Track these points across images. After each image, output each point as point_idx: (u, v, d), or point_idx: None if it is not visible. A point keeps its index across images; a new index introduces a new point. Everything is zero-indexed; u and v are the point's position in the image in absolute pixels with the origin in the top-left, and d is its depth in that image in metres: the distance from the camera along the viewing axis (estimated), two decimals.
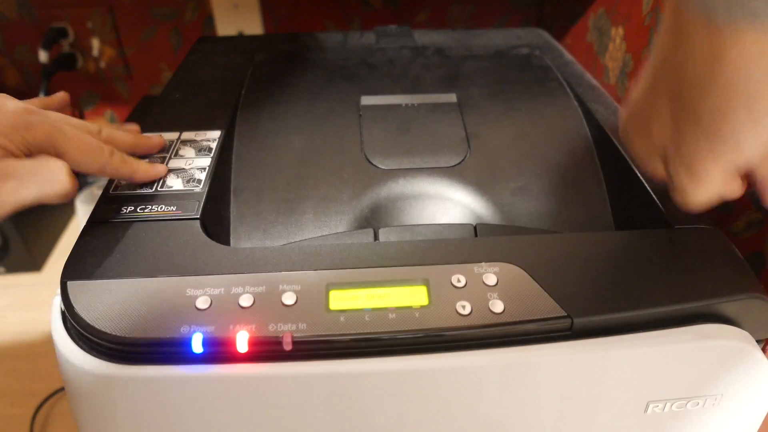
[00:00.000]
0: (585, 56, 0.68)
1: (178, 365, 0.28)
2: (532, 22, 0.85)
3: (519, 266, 0.31)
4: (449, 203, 0.41)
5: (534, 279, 0.30)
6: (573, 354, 0.28)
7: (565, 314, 0.29)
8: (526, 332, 0.29)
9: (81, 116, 0.88)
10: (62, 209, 0.83)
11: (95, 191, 0.76)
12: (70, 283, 0.30)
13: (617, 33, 0.59)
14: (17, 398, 0.59)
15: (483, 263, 0.31)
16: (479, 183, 0.41)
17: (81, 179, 0.92)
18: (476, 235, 0.37)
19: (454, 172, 0.41)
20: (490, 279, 0.30)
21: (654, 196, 0.36)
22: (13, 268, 0.75)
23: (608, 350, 0.29)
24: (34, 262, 0.76)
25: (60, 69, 0.81)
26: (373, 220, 0.40)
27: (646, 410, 0.31)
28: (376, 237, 0.37)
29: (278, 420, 0.29)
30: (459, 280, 0.30)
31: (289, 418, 0.29)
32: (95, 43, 0.82)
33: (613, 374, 0.29)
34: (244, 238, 0.38)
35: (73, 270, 0.30)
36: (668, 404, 0.31)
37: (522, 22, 0.84)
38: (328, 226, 0.39)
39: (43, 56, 0.77)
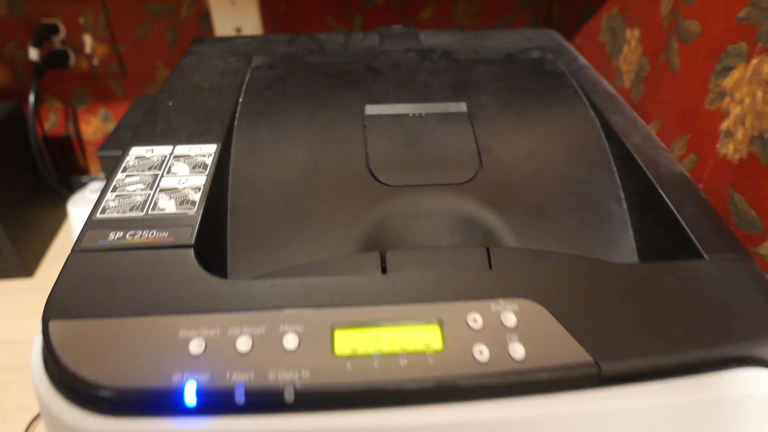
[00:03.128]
0: (597, 57, 0.65)
1: (169, 418, 0.25)
2: (540, 19, 0.81)
3: (539, 303, 0.29)
4: (460, 223, 0.38)
5: (556, 318, 0.28)
6: (600, 404, 0.26)
7: (592, 360, 0.26)
8: (550, 380, 0.26)
9: (74, 115, 0.85)
10: (53, 212, 0.80)
11: (88, 195, 0.73)
12: (52, 323, 0.27)
13: (632, 35, 0.57)
14: (8, 414, 0.57)
15: (500, 300, 0.29)
16: (491, 201, 0.38)
17: (74, 181, 0.90)
18: (489, 258, 0.35)
19: (465, 189, 0.39)
20: (509, 319, 0.28)
21: (682, 221, 0.33)
22: (4, 274, 0.73)
23: (638, 399, 0.26)
24: (25, 268, 0.73)
25: (51, 67, 0.78)
26: (379, 241, 0.37)
27: None
28: (383, 260, 0.35)
29: None
30: (475, 320, 0.28)
31: None
32: (88, 40, 0.79)
33: (642, 424, 0.27)
34: (242, 264, 0.35)
35: (56, 308, 0.28)
36: None
37: (530, 20, 0.81)
38: (332, 248, 0.36)
39: (33, 54, 0.74)
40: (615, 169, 0.39)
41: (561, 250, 0.37)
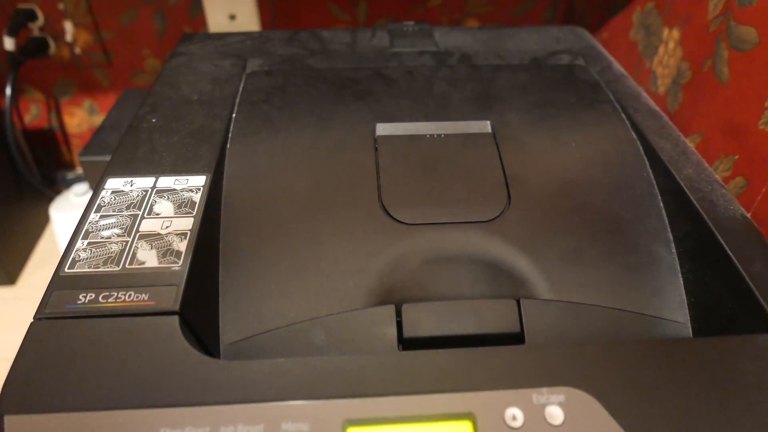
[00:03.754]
0: (626, 56, 0.59)
1: None
2: (560, 8, 0.75)
3: (589, 393, 0.24)
4: (486, 269, 0.33)
5: (609, 412, 0.23)
6: None
7: None
8: None
9: (57, 107, 0.79)
10: (35, 217, 0.75)
11: (72, 198, 0.68)
12: (8, 419, 0.23)
13: (671, 36, 0.51)
14: None
15: (544, 389, 0.24)
16: (521, 243, 0.33)
17: (58, 177, 0.84)
18: (520, 312, 0.31)
19: (492, 228, 0.34)
20: (555, 415, 0.23)
21: (749, 281, 0.29)
22: None
23: None
24: (6, 275, 0.69)
25: (30, 56, 0.72)
26: (394, 290, 0.33)
27: None
28: (398, 315, 0.30)
29: None
30: (514, 418, 0.23)
31: None
32: (68, 27, 0.72)
33: None
34: (236, 320, 0.30)
35: (15, 398, 0.23)
36: None
37: (549, 8, 0.75)
38: (339, 300, 0.32)
39: (8, 43, 0.68)
40: (662, 206, 0.35)
41: (601, 302, 0.32)
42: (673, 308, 0.32)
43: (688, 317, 0.32)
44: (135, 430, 0.22)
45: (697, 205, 0.32)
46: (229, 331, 0.30)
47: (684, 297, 0.32)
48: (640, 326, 0.31)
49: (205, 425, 0.23)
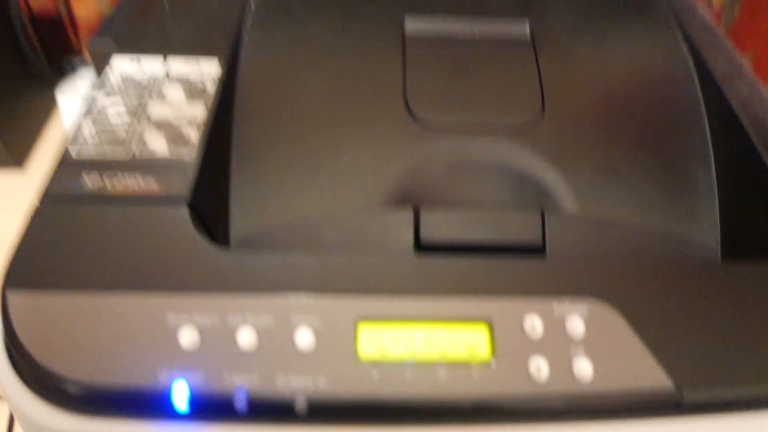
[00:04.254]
0: None
1: (152, 422, 0.21)
2: None
3: (612, 306, 0.23)
4: (511, 177, 0.32)
5: (632, 328, 0.23)
6: None
7: (673, 387, 0.21)
8: (619, 407, 0.22)
9: None
10: (42, 102, 0.73)
11: (79, 83, 0.66)
12: (12, 295, 0.22)
13: None
14: None
15: (565, 299, 0.23)
16: (552, 154, 0.31)
17: (65, 63, 0.81)
18: (543, 224, 0.29)
19: (522, 136, 0.32)
20: (576, 326, 0.22)
21: None
22: None
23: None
24: (13, 158, 0.68)
25: None
26: (413, 193, 0.31)
27: None
28: (417, 216, 0.29)
29: None
30: (534, 327, 0.22)
31: None
32: None
33: None
34: (247, 212, 0.29)
35: (18, 275, 0.23)
36: None
37: None
38: (356, 198, 0.30)
39: None
40: (707, 125, 0.32)
41: (629, 221, 0.31)
42: (705, 232, 0.30)
43: (719, 242, 0.30)
44: (140, 313, 0.22)
45: (746, 126, 0.30)
46: (240, 225, 0.29)
47: (717, 222, 0.30)
48: (668, 248, 0.30)
49: (212, 313, 0.22)
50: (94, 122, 0.28)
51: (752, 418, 0.22)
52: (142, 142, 0.27)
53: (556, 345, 0.22)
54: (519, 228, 0.29)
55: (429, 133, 0.32)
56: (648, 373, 0.22)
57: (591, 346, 0.22)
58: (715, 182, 0.31)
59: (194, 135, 0.27)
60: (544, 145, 0.31)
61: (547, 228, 0.29)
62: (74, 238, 0.24)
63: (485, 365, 0.22)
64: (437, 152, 0.32)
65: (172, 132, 0.27)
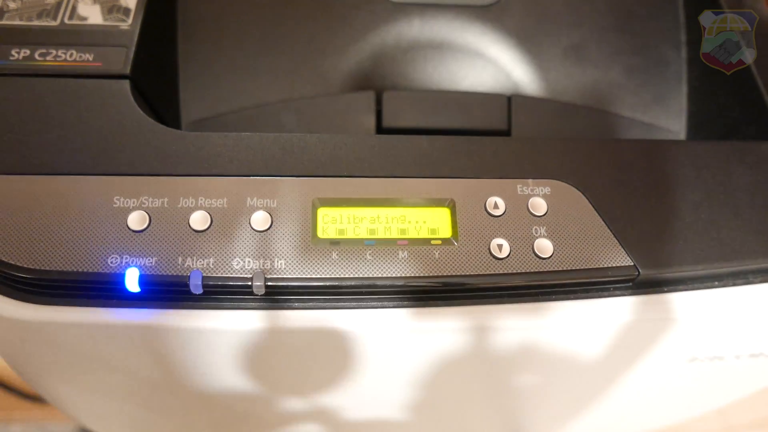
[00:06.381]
0: None
1: (107, 308, 0.20)
2: None
3: (575, 187, 0.23)
4: (478, 60, 0.30)
5: (594, 208, 0.22)
6: (631, 314, 0.22)
7: (632, 264, 0.22)
8: (578, 285, 0.22)
9: None
10: None
11: None
12: None
13: None
14: None
15: (530, 180, 0.23)
16: (521, 34, 0.30)
17: None
18: (509, 108, 0.28)
19: (489, 15, 0.30)
20: (538, 206, 0.22)
21: (762, 87, 0.26)
22: None
23: (673, 311, 0.22)
24: None
25: None
26: (375, 76, 0.30)
27: (691, 362, 0.26)
28: (378, 102, 0.28)
29: (240, 383, 0.23)
30: (496, 206, 0.22)
31: (255, 380, 0.23)
32: None
33: (671, 335, 0.23)
34: (197, 99, 0.27)
35: None
36: (715, 360, 0.26)
37: None
38: (314, 82, 0.29)
39: None
40: (682, 4, 0.31)
41: (596, 104, 0.30)
42: (671, 117, 0.30)
43: (685, 127, 0.30)
44: (85, 197, 0.21)
45: (723, 3, 0.29)
46: (191, 108, 0.27)
47: (684, 106, 0.30)
48: (633, 133, 0.30)
49: (163, 195, 0.21)
50: None
51: (704, 298, 0.23)
52: (73, 9, 0.24)
53: (519, 225, 0.22)
54: (485, 111, 0.28)
55: (391, 11, 0.29)
56: (608, 253, 0.22)
57: (552, 225, 0.22)
58: (685, 65, 0.30)
59: (132, 3, 0.25)
60: (511, 24, 0.30)
61: (513, 112, 0.28)
62: (5, 117, 0.22)
63: (447, 244, 0.21)
64: (400, 32, 0.30)
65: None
